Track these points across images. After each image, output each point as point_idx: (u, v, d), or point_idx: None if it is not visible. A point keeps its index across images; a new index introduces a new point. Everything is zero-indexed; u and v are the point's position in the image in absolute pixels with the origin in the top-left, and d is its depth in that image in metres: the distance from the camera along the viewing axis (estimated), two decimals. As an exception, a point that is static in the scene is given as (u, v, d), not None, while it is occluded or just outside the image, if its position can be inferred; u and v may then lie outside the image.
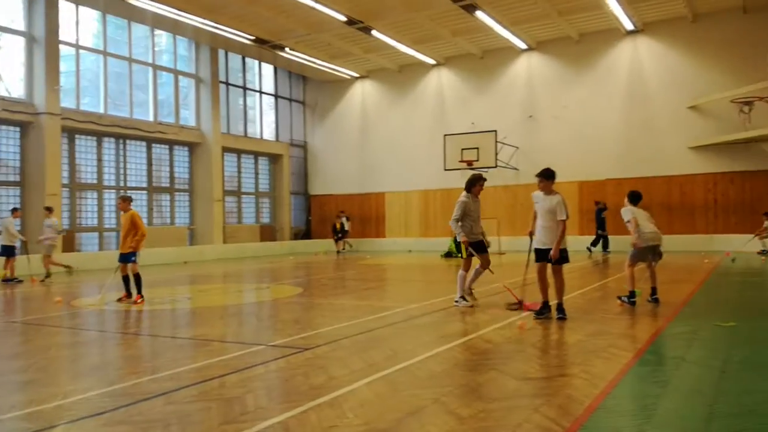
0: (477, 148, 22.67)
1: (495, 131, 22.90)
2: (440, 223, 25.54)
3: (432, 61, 26.19)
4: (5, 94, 18.66)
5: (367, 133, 28.31)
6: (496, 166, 22.87)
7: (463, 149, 22.91)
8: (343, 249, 25.69)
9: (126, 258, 10.19)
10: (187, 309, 10.01)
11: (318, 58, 25.88)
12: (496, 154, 22.80)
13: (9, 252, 14.90)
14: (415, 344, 6.49)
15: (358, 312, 8.83)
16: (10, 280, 14.56)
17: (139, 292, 10.20)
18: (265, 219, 28.47)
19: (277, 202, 28.79)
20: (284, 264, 20.20)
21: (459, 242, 9.16)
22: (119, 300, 10.21)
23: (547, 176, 7.73)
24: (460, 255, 20.89)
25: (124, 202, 10.38)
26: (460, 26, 22.51)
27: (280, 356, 5.95)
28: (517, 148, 24.09)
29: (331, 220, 26.99)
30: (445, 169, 23.68)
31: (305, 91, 30.23)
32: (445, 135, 23.88)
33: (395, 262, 20.31)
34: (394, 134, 27.37)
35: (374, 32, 22.34)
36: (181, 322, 8.71)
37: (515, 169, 24.08)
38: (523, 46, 24.17)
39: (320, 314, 8.90)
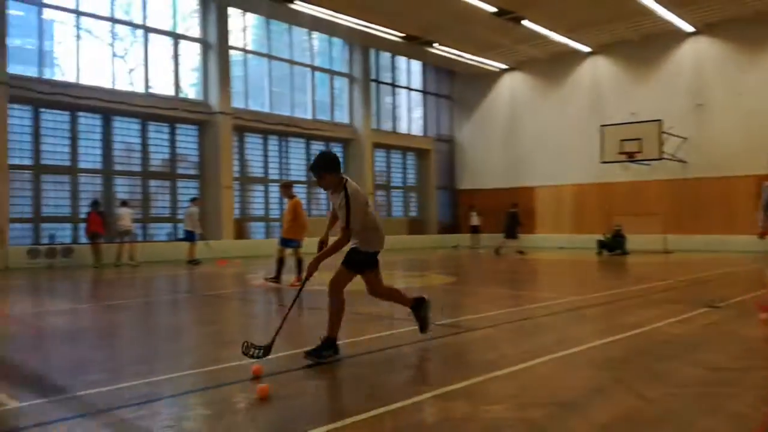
0: (639, 139, 21.34)
1: (660, 121, 21.42)
2: (595, 218, 24.41)
3: (587, 49, 25.09)
4: (186, 96, 20.86)
5: (515, 126, 27.80)
6: (660, 159, 21.40)
7: (622, 140, 21.69)
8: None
9: (286, 243, 10.82)
10: (349, 290, 10.51)
11: (466, 52, 25.87)
12: (661, 145, 21.33)
13: (191, 237, 16.67)
14: (585, 332, 6.33)
15: (517, 301, 8.77)
16: (193, 262, 16.23)
17: (299, 275, 10.76)
18: (413, 213, 29.03)
19: (425, 197, 29.21)
20: (433, 256, 20.47)
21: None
22: (267, 280, 10.72)
23: None
24: (620, 251, 20.11)
25: (284, 188, 11.00)
26: (619, 11, 21.32)
27: (448, 334, 6.09)
28: (684, 138, 22.34)
29: (482, 214, 26.41)
30: (602, 162, 22.59)
31: (452, 86, 30.34)
32: (602, 126, 22.76)
33: (547, 257, 19.78)
34: (544, 126, 26.61)
35: (525, 22, 21.88)
36: (351, 301, 9.16)
37: (683, 161, 22.37)
38: (689, 29, 22.36)
39: (479, 301, 8.95)
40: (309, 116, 24.37)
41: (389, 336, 5.98)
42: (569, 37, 23.74)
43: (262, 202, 23.10)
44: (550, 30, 22.85)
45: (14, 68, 16.71)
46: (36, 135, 17.75)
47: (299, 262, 10.69)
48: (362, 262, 5.17)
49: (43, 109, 17.78)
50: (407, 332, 6.15)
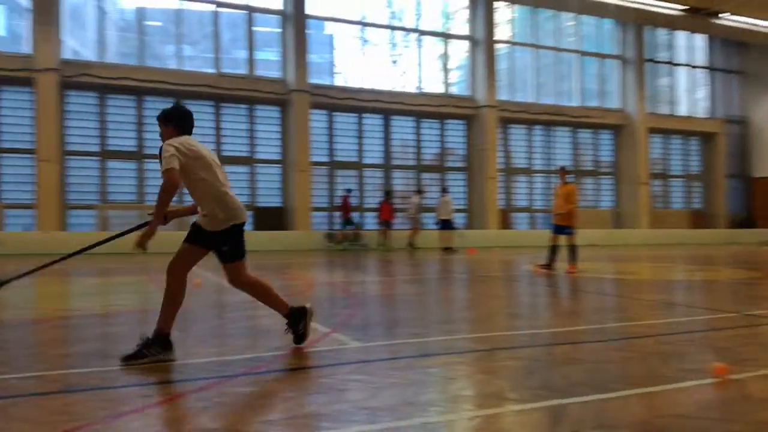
0: None
1: None
2: None
3: None
4: (454, 92, 21.91)
5: (832, 100, 23.27)
6: None
7: None
8: None
9: (560, 229, 10.61)
10: (634, 279, 10.02)
11: (762, 19, 22.46)
12: None
13: (447, 225, 17.39)
14: None
15: None
16: (447, 250, 16.86)
17: (573, 262, 10.50)
18: (696, 204, 26.20)
19: (710, 186, 26.12)
20: (727, 251, 18.28)
21: None
22: (540, 267, 10.61)
23: None
24: None
25: (563, 172, 10.82)
26: None
27: (763, 324, 5.46)
28: None
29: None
30: None
31: (744, 60, 26.55)
32: None
33: None
34: None
35: None
36: (634, 289, 8.76)
37: None
38: None
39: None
40: (576, 103, 23.63)
41: (687, 321, 5.59)
42: None
43: (526, 193, 23.12)
44: None
45: (311, 78, 19.28)
46: (330, 135, 20.34)
47: (573, 249, 10.46)
48: (237, 242, 4.10)
49: (336, 113, 20.30)
50: (707, 320, 5.69)
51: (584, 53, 23.92)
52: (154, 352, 3.76)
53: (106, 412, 2.82)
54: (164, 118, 4.14)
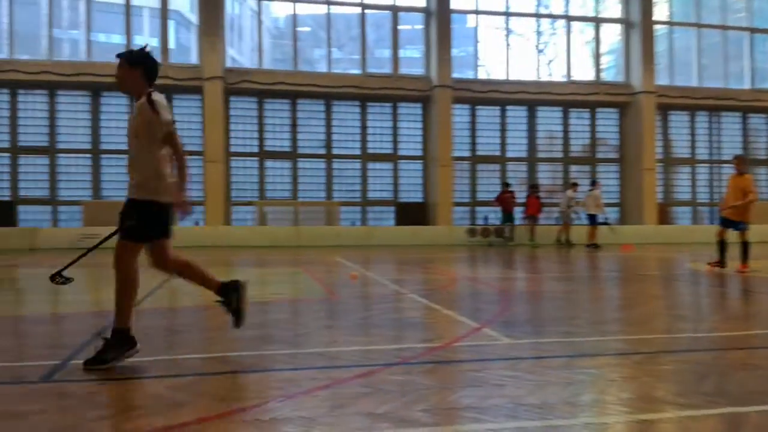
0: None
1: None
2: None
3: None
4: (606, 79, 20.77)
5: None
6: None
7: None
8: None
9: (732, 224, 9.60)
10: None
11: None
12: None
13: (593, 220, 16.42)
14: None
15: None
16: (592, 246, 15.88)
17: (745, 261, 9.45)
18: None
19: None
20: None
21: None
22: (711, 265, 9.65)
23: None
24: None
25: (740, 161, 9.74)
26: None
27: None
28: None
29: None
30: None
31: None
32: None
33: None
34: None
35: None
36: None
37: None
38: None
39: None
40: (747, 86, 21.39)
41: None
42: None
43: (689, 185, 21.35)
44: None
45: (453, 73, 19.20)
46: (472, 129, 20.19)
47: (745, 246, 9.45)
48: (149, 222, 3.60)
49: (478, 107, 20.11)
50: None
51: (756, 30, 21.56)
52: (113, 355, 3.44)
53: (277, 393, 3.05)
54: (133, 59, 3.63)
